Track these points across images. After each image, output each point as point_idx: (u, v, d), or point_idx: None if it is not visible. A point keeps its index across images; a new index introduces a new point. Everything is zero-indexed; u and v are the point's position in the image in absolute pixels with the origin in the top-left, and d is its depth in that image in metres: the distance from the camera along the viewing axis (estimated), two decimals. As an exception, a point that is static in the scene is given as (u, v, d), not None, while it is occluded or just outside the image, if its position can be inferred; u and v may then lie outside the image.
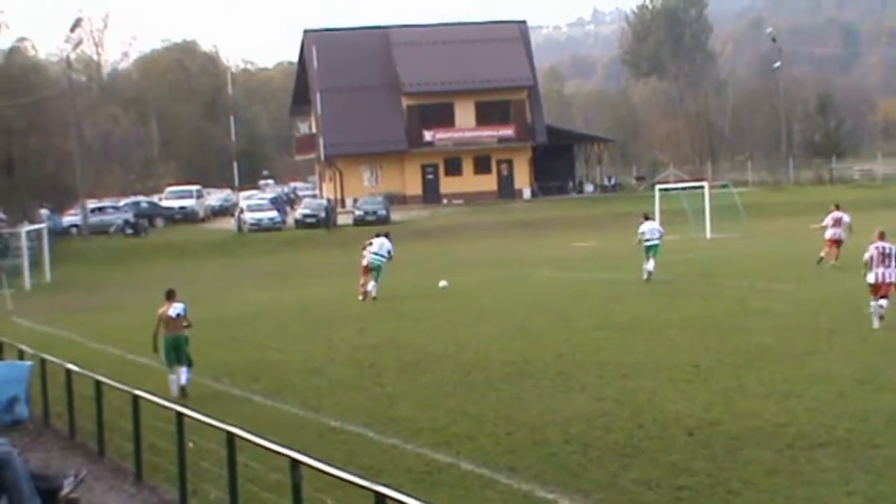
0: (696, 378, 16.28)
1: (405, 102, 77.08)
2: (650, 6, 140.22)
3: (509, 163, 78.40)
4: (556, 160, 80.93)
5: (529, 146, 78.16)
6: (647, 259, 31.21)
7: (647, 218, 33.14)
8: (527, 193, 77.77)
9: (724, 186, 58.45)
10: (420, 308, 27.53)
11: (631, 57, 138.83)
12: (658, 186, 58.31)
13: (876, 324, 19.55)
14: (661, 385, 15.89)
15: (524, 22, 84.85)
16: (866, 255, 20.46)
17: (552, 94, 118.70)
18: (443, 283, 32.60)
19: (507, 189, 77.51)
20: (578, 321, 23.18)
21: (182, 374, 17.50)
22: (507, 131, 77.39)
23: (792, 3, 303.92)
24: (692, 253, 40.56)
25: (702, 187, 52.70)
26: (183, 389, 17.31)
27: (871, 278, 20.21)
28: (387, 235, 31.57)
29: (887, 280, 20.03)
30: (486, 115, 77.41)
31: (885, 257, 20.24)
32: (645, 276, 30.82)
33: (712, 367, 16.98)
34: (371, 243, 30.74)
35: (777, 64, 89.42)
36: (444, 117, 77.04)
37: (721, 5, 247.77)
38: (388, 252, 30.66)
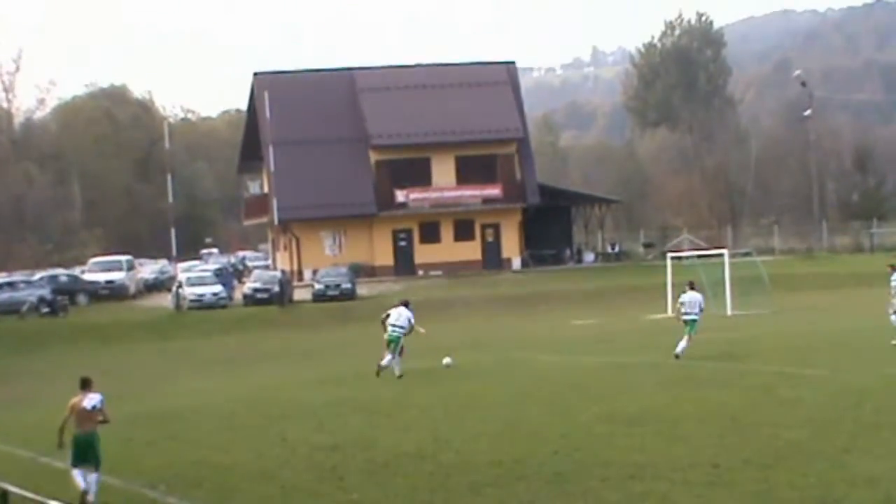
0: (716, 480, 16.30)
1: (374, 157, 77.53)
2: (659, 45, 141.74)
3: (496, 227, 78.76)
4: (551, 224, 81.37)
5: (519, 208, 78.58)
6: (685, 335, 32.49)
7: (692, 287, 34.34)
8: (516, 263, 78.06)
9: (747, 255, 58.84)
10: (391, 399, 27.51)
11: (637, 104, 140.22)
12: (670, 255, 58.69)
13: None
14: (676, 489, 15.89)
15: (513, 63, 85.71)
16: None
17: (545, 148, 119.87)
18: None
19: (493, 258, 77.78)
20: (578, 413, 23.21)
21: (92, 483, 17.14)
22: (493, 191, 77.82)
23: (824, 43, 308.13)
24: (710, 332, 40.64)
25: (721, 255, 53.03)
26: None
27: None
28: (406, 304, 32.69)
29: None
30: (469, 171, 77.86)
31: None
32: (677, 353, 32.01)
33: (735, 468, 16.99)
34: (389, 315, 32.05)
35: (807, 112, 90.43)
36: (419, 175, 77.44)
37: (742, 45, 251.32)
38: (409, 321, 31.91)
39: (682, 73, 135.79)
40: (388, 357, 31.68)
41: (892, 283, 34.05)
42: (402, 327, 31.81)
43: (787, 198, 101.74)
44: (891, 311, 33.22)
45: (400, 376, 31.21)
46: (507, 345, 41.30)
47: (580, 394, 26.47)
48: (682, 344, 32.21)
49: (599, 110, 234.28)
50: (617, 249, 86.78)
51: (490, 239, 78.68)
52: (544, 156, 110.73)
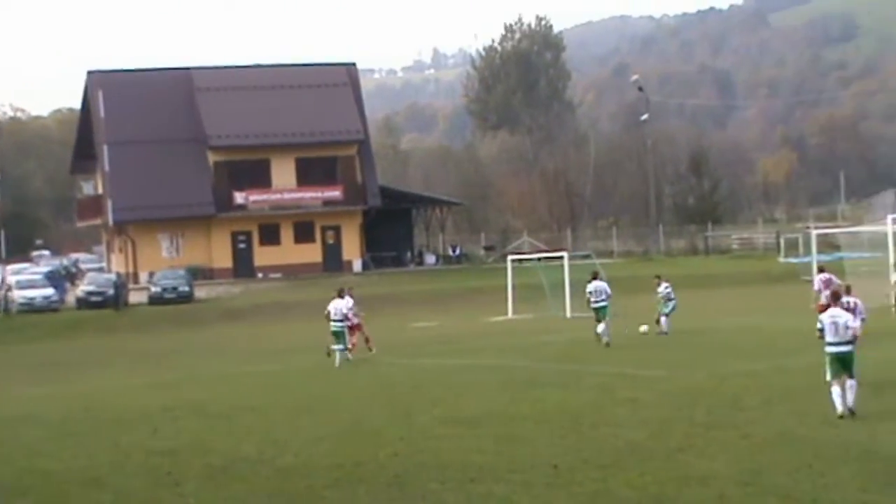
0: (555, 481, 16.42)
1: (212, 158, 76.71)
2: (499, 48, 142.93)
3: (336, 230, 78.60)
4: (392, 227, 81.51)
5: (360, 210, 78.56)
6: (598, 322, 35.12)
7: (595, 277, 36.80)
8: (357, 265, 78.01)
9: (587, 257, 59.72)
10: (229, 402, 27.16)
11: (477, 106, 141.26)
12: (510, 257, 59.21)
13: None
14: (516, 490, 15.97)
15: (354, 65, 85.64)
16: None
17: (386, 150, 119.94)
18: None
19: (333, 260, 77.62)
20: (419, 415, 23.20)
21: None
22: (334, 193, 77.68)
23: (660, 48, 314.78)
24: (550, 335, 41.17)
25: (561, 258, 53.61)
26: None
27: None
28: (342, 294, 34.87)
29: None
30: (309, 173, 77.59)
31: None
32: (604, 340, 34.68)
33: (574, 468, 17.15)
34: (329, 311, 34.30)
35: (644, 116, 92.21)
36: (258, 176, 76.86)
37: (581, 50, 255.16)
38: (341, 312, 34.17)
39: (522, 77, 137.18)
40: (335, 346, 34.20)
41: (659, 292, 38.37)
42: (340, 321, 34.09)
43: (625, 200, 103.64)
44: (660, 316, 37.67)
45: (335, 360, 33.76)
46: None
47: (421, 396, 26.49)
48: (601, 328, 34.91)
49: (440, 113, 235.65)
50: (458, 252, 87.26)
51: (331, 241, 78.49)
52: (385, 158, 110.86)
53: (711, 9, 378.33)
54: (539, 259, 59.76)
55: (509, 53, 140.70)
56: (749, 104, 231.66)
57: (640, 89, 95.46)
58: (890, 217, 51.49)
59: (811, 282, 53.56)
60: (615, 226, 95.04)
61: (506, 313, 53.70)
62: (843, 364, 20.02)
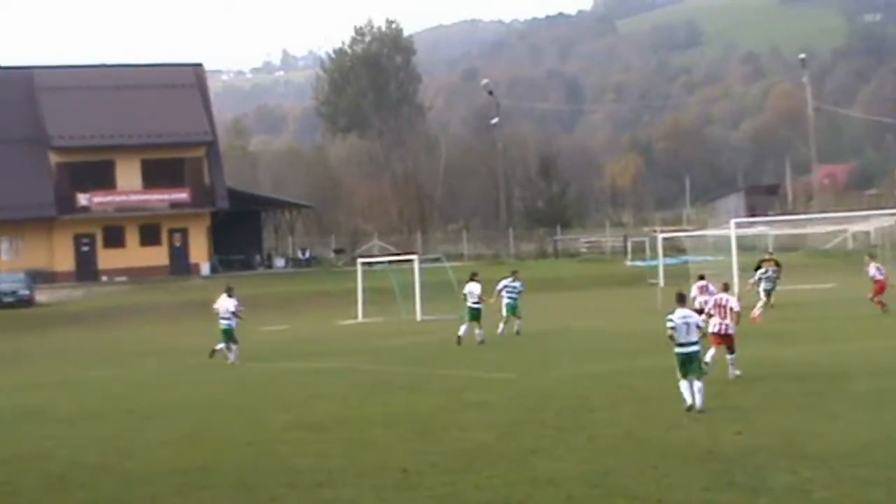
0: (403, 484, 16.40)
1: (54, 159, 75.14)
2: (349, 51, 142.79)
3: (183, 232, 77.64)
4: (240, 229, 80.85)
5: (208, 213, 77.73)
6: (472, 321, 36.68)
7: (472, 278, 38.20)
8: (205, 269, 77.12)
9: (437, 260, 59.88)
10: (70, 409, 26.58)
11: (327, 109, 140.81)
12: (360, 260, 59.13)
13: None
14: (364, 494, 15.91)
15: (201, 65, 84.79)
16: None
17: (235, 152, 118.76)
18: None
19: (180, 263, 76.64)
20: (267, 420, 23.00)
21: None
22: (181, 195, 76.73)
23: (510, 52, 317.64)
24: (401, 338, 41.20)
25: (411, 261, 53.74)
26: None
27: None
28: (229, 293, 35.68)
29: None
30: (155, 175, 76.53)
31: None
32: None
33: (423, 472, 17.14)
34: (217, 309, 35.39)
35: (494, 120, 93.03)
36: (102, 177, 75.55)
37: (431, 53, 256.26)
38: (228, 310, 35.14)
39: (373, 80, 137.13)
40: (221, 345, 35.34)
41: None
42: (227, 319, 35.01)
43: (476, 204, 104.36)
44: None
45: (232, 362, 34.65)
46: (195, 351, 40.60)
47: (269, 400, 26.27)
48: (464, 329, 36.44)
49: (290, 115, 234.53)
50: (308, 255, 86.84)
51: (177, 244, 77.48)
52: (234, 160, 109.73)
53: (560, 14, 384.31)
54: (389, 262, 59.82)
55: (359, 56, 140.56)
56: (597, 109, 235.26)
57: (491, 93, 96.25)
58: (733, 221, 52.81)
59: (656, 284, 54.68)
60: (465, 229, 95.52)
61: (356, 317, 53.59)
62: (690, 362, 20.78)
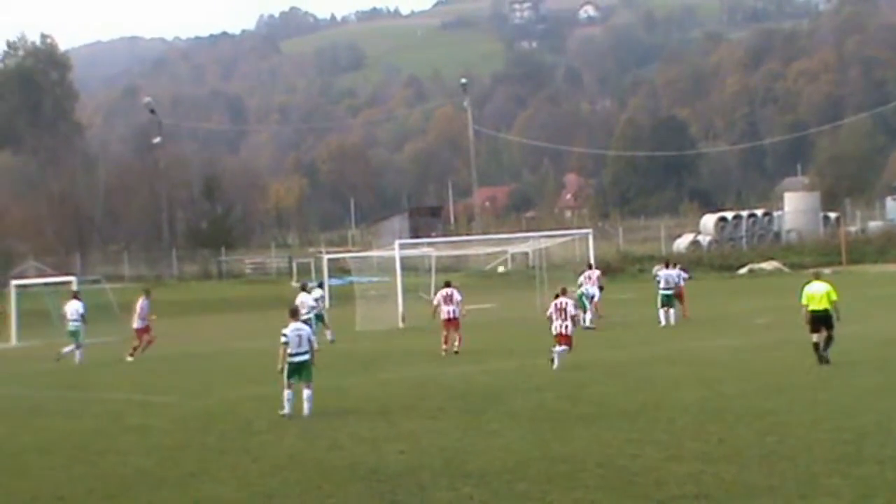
0: (60, 514, 15.90)
1: None
2: (2, 66, 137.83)
3: None
4: None
5: None
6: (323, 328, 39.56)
7: (303, 288, 41.03)
8: None
9: (97, 282, 58.44)
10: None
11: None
12: (14, 282, 56.94)
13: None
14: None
15: None
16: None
17: None
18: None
19: None
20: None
21: None
22: None
23: (172, 71, 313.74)
24: (58, 362, 39.90)
25: (69, 282, 52.19)
26: None
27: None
28: (76, 296, 39.31)
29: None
30: None
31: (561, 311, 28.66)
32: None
33: (80, 499, 16.68)
34: (65, 312, 38.14)
35: (157, 139, 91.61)
36: None
37: (90, 69, 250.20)
38: (78, 312, 38.00)
39: (27, 96, 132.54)
40: (68, 348, 37.63)
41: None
42: (76, 320, 37.64)
43: (138, 225, 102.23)
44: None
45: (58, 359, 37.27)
46: None
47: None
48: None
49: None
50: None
51: None
52: None
53: (224, 33, 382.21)
54: (46, 284, 57.86)
55: (13, 71, 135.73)
56: (261, 129, 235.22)
57: (153, 112, 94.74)
58: (397, 242, 53.80)
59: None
60: (127, 250, 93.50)
61: (9, 340, 51.56)
62: (300, 371, 22.74)
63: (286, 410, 22.55)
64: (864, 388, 23.09)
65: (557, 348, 28.24)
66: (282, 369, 22.82)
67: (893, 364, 26.73)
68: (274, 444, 20.11)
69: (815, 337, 26.65)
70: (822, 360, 26.29)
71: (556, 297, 29.44)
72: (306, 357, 22.79)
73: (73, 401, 28.35)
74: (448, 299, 34.23)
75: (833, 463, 16.04)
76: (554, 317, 28.68)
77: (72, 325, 37.99)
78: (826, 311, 26.50)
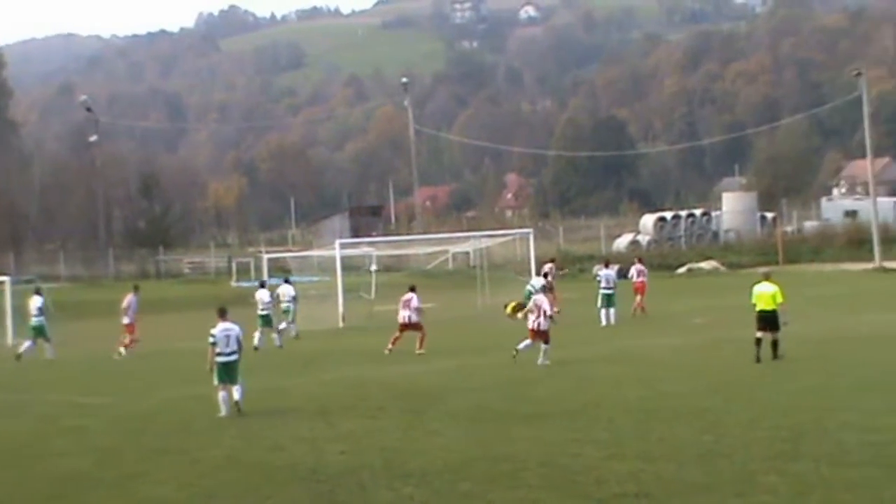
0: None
1: None
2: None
3: None
4: None
5: None
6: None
7: (286, 280, 43.64)
8: None
9: (31, 281, 57.78)
10: None
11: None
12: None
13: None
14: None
15: None
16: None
17: None
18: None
19: None
20: None
21: None
22: None
23: (109, 68, 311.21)
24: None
25: (2, 283, 51.62)
26: None
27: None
28: (38, 292, 40.16)
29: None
30: None
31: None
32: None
33: (16, 502, 16.51)
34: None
35: (93, 137, 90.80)
36: None
37: (24, 67, 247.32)
38: (39, 308, 39.19)
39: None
40: (27, 344, 38.85)
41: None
42: (37, 315, 38.78)
43: (74, 223, 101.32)
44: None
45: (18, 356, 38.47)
46: None
47: None
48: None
49: None
50: None
51: None
52: None
53: (162, 31, 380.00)
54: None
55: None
56: (200, 128, 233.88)
57: (89, 110, 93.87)
58: (338, 242, 53.65)
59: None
60: (62, 249, 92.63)
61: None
62: (228, 371, 22.74)
63: (223, 413, 22.57)
64: (801, 386, 23.35)
65: (525, 342, 29.33)
66: (210, 369, 22.86)
67: (831, 363, 27.08)
68: (213, 445, 19.98)
69: (759, 334, 27.12)
70: (775, 356, 27.03)
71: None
72: (235, 357, 22.81)
73: (7, 403, 28.01)
74: (406, 304, 34.15)
75: (770, 461, 16.20)
76: (531, 314, 29.60)
77: (34, 321, 39.10)
78: (773, 311, 27.20)
